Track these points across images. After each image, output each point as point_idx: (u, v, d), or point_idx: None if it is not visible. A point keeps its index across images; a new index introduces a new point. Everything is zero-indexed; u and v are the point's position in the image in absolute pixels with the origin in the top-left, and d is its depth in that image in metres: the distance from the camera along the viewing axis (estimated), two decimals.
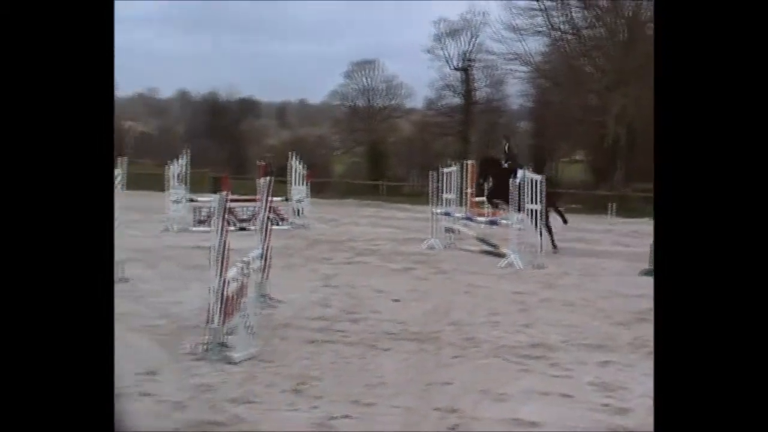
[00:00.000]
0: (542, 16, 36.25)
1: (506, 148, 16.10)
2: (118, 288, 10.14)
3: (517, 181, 13.93)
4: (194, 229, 17.60)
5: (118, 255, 10.73)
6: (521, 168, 14.63)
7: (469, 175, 18.49)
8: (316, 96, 66.36)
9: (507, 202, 14.48)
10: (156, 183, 22.01)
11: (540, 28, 36.66)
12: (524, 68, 38.48)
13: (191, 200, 18.72)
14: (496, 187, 14.95)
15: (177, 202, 18.45)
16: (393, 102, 45.96)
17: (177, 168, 18.83)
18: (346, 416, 5.40)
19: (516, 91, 41.28)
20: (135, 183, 20.48)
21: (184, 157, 19.02)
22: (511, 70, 39.16)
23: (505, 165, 15.22)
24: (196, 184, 20.57)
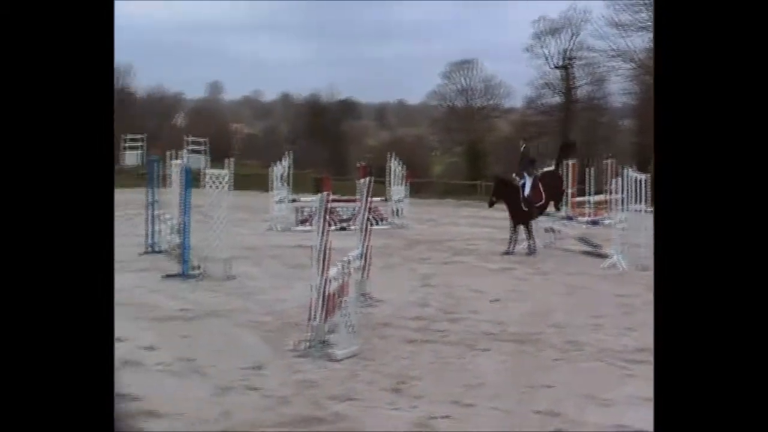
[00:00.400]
0: (647, 11, 35.09)
1: (522, 148, 15.88)
2: (227, 285, 10.48)
3: (521, 183, 14.16)
4: (296, 228, 17.96)
5: (226, 253, 11.10)
6: (531, 176, 14.56)
7: (570, 174, 18.13)
8: (415, 97, 66.57)
9: (523, 221, 14.47)
10: (261, 183, 22.58)
11: (644, 24, 35.51)
12: (627, 65, 37.37)
13: (293, 200, 19.11)
14: (511, 209, 14.75)
15: (280, 202, 18.87)
16: (491, 102, 45.50)
17: (280, 169, 19.28)
18: (447, 416, 5.38)
19: (618, 89, 40.12)
20: (242, 183, 21.11)
21: (287, 158, 19.44)
22: (614, 67, 38.10)
23: (516, 178, 14.94)
24: (299, 185, 20.96)
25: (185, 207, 11.36)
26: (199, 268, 11.06)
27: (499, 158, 43.71)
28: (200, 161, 29.07)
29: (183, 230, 11.33)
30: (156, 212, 13.44)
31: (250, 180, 27.30)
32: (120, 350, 6.87)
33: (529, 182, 14.43)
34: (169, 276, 10.97)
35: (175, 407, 5.45)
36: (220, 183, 11.32)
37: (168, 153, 20.32)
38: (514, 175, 15.06)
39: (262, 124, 55.12)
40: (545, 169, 15.59)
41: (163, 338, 7.43)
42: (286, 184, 19.17)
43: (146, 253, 13.12)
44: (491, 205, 15.37)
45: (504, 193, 14.81)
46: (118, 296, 9.48)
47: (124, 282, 10.41)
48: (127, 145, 30.36)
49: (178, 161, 14.35)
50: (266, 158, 29.06)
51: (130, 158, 30.22)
